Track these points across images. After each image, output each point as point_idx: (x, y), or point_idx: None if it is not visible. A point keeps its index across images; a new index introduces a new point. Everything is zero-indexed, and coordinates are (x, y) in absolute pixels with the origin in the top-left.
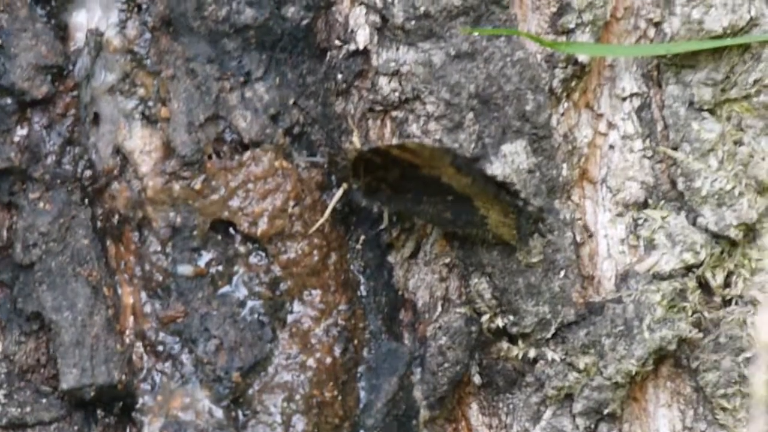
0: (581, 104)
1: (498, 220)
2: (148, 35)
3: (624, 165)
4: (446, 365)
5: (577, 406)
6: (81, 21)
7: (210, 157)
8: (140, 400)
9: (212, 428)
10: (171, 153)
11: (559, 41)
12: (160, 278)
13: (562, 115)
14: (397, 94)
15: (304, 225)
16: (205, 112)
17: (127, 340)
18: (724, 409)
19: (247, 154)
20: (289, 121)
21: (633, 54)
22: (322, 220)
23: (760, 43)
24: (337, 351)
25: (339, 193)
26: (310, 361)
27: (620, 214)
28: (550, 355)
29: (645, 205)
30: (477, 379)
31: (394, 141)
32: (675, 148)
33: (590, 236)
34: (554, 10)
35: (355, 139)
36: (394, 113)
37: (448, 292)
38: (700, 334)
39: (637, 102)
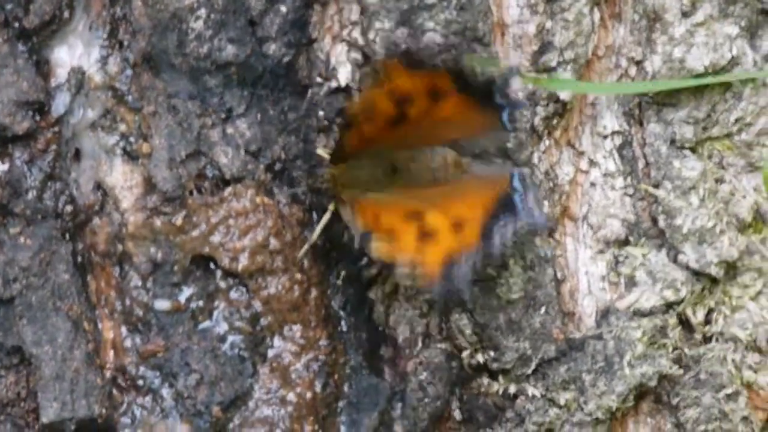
0: (563, 142)
1: None
2: (129, 71)
3: (605, 202)
4: (427, 400)
5: None
6: (62, 57)
7: (191, 192)
8: None
9: None
10: (152, 189)
11: (540, 77)
12: (141, 313)
13: (544, 152)
14: None
15: (284, 261)
16: (187, 148)
17: (108, 374)
18: None
19: (228, 190)
20: (271, 158)
21: (614, 91)
22: (312, 239)
23: (741, 81)
24: (318, 386)
25: (327, 215)
26: (291, 396)
27: (601, 251)
28: (530, 390)
29: (626, 242)
30: (457, 415)
31: None
32: (656, 186)
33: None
34: (536, 48)
35: (320, 151)
36: None
37: (428, 327)
38: (681, 371)
39: (618, 140)
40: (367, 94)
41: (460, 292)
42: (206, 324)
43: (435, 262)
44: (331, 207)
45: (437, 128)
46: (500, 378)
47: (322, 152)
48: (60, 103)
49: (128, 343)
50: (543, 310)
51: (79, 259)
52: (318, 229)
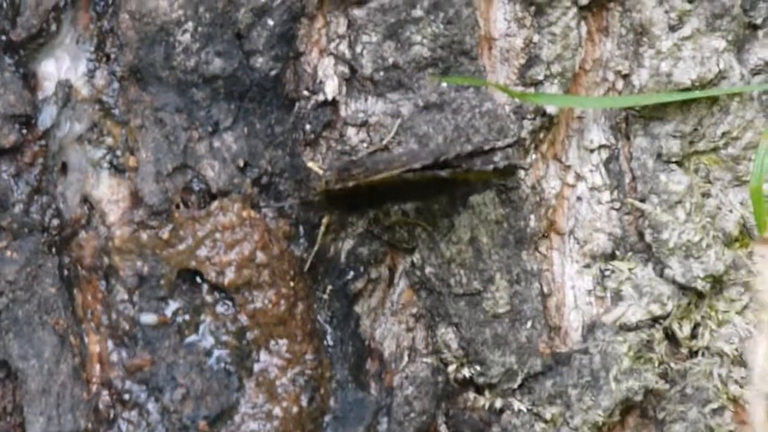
0: (549, 156)
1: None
2: (116, 85)
3: (592, 216)
4: (413, 415)
5: None
6: (50, 70)
7: (178, 206)
8: None
9: None
10: (139, 202)
11: (528, 92)
12: (127, 327)
13: (531, 166)
14: (365, 144)
15: (271, 275)
16: (173, 162)
17: (94, 389)
18: None
19: (215, 203)
20: (258, 171)
21: (601, 106)
22: (313, 252)
23: (728, 95)
24: (304, 400)
25: (323, 227)
26: (277, 410)
27: (587, 266)
28: (516, 405)
29: (612, 256)
30: (444, 430)
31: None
32: (643, 200)
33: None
34: (523, 61)
35: (311, 164)
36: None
37: (414, 342)
38: (667, 385)
39: (605, 154)
40: None
41: None
42: (192, 338)
43: None
44: (325, 220)
45: None
46: (486, 392)
47: (313, 165)
48: (47, 117)
49: (114, 357)
50: (529, 324)
51: (66, 272)
52: (319, 239)
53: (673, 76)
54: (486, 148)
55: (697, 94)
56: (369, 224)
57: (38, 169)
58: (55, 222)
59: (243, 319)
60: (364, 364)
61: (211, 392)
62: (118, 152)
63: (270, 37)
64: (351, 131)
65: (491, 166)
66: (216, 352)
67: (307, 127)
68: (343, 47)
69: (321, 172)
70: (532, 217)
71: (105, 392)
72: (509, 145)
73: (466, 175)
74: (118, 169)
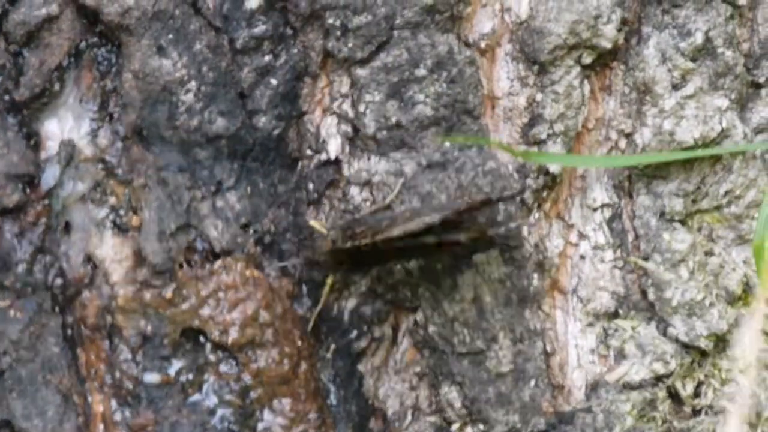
0: (552, 214)
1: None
2: (119, 144)
3: (595, 275)
4: None
5: None
6: (53, 130)
7: (181, 265)
8: None
9: None
10: (142, 262)
11: (531, 151)
12: (131, 386)
13: (533, 225)
14: (368, 203)
15: (274, 334)
16: (177, 221)
17: None
18: None
19: (218, 263)
20: (261, 231)
21: (604, 165)
22: (316, 311)
23: (731, 154)
24: None
25: (327, 286)
26: None
27: (591, 324)
28: None
29: (615, 315)
30: None
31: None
32: (646, 259)
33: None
34: (526, 120)
35: (314, 223)
36: None
37: (418, 400)
38: None
39: (608, 212)
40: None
41: None
42: (196, 397)
43: None
44: (329, 279)
45: None
46: None
47: (316, 224)
48: (50, 176)
49: (118, 416)
50: (532, 383)
51: (69, 332)
52: (323, 299)
53: (675, 135)
54: (484, 198)
55: (699, 153)
56: (372, 283)
57: (41, 228)
58: (59, 281)
59: (246, 378)
60: (367, 423)
61: None
62: (122, 211)
63: (273, 96)
64: (354, 190)
65: (489, 232)
66: (219, 411)
67: (310, 186)
68: (346, 106)
69: (324, 231)
70: (535, 276)
71: None
72: (510, 196)
73: (457, 238)
74: (121, 229)
